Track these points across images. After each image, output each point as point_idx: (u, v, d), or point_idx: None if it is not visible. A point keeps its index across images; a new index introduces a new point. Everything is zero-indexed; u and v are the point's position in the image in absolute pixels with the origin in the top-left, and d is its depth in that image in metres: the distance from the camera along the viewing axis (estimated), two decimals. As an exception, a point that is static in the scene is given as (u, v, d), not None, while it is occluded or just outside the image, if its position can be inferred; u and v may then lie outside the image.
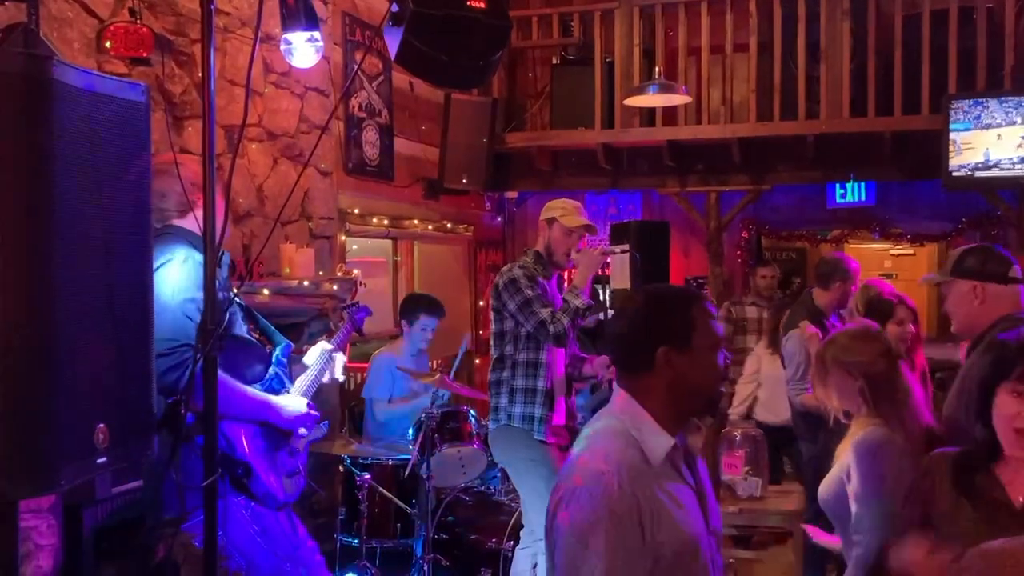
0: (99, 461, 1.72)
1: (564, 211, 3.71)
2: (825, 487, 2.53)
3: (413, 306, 4.90)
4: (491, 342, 3.77)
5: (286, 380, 2.71)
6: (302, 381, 2.82)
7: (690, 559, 1.63)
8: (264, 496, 2.50)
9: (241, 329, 2.61)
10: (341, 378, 3.03)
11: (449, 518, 4.33)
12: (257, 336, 2.73)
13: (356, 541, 3.99)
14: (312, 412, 2.70)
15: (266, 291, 3.90)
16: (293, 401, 2.65)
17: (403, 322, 4.89)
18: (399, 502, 4.06)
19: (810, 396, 4.16)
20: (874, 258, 9.05)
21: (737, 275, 7.77)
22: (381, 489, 4.03)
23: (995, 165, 5.73)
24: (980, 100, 5.73)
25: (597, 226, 4.07)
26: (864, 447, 2.36)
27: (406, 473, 4.01)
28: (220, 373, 2.09)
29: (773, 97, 6.29)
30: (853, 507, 2.36)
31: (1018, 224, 6.11)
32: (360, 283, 4.53)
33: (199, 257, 2.44)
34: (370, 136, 5.46)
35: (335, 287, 4.44)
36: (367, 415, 4.80)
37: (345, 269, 4.66)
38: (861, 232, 7.43)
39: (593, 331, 5.63)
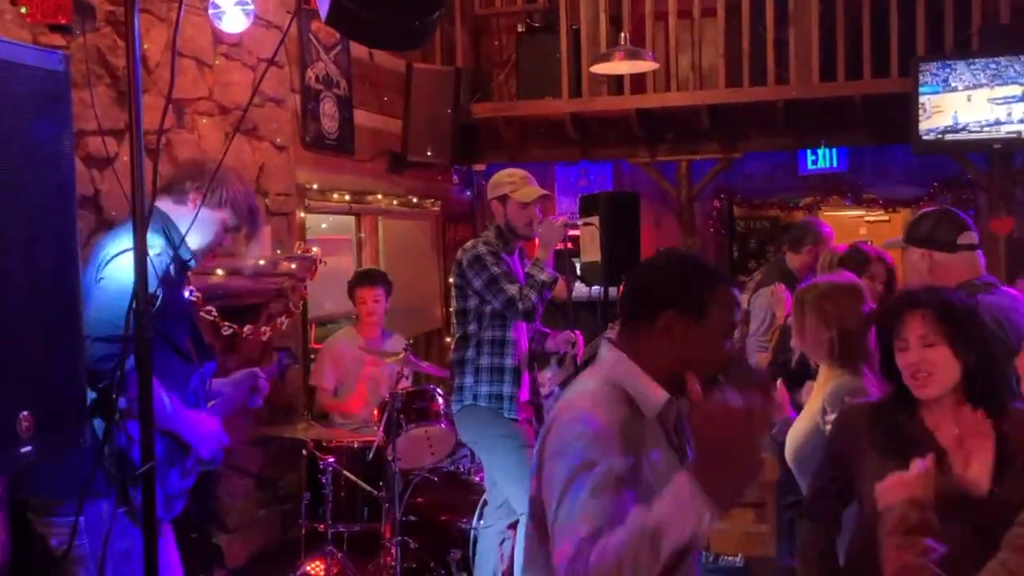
0: (23, 450, 1.65)
1: (514, 185, 3.64)
2: (794, 438, 2.52)
3: (350, 283, 4.80)
4: (453, 320, 3.71)
5: (201, 395, 2.60)
6: (218, 402, 2.71)
7: None
8: (140, 507, 2.37)
9: (182, 342, 2.49)
10: (259, 405, 2.92)
11: (418, 500, 4.28)
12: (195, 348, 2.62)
13: (322, 526, 3.93)
14: (222, 437, 2.57)
15: (220, 271, 3.80)
16: (207, 422, 2.53)
17: (355, 294, 4.78)
18: (365, 485, 4.00)
19: (763, 356, 4.17)
20: (849, 225, 9.07)
21: (710, 245, 7.74)
22: (346, 472, 3.97)
23: (964, 128, 5.73)
24: (948, 63, 5.71)
25: (567, 199, 4.02)
26: (838, 398, 2.37)
27: (371, 455, 3.95)
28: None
29: (742, 63, 6.24)
30: None
31: (988, 187, 6.12)
32: (320, 261, 4.44)
33: (171, 252, 2.40)
34: (328, 108, 5.34)
35: (293, 266, 4.35)
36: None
37: (304, 247, 4.57)
38: (834, 199, 7.43)
39: (563, 305, 5.58)
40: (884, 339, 2.04)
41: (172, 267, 2.41)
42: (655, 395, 1.68)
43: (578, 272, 5.57)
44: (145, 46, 3.85)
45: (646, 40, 6.29)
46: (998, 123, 5.69)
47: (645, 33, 6.34)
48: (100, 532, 2.17)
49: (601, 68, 5.72)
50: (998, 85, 5.68)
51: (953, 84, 5.70)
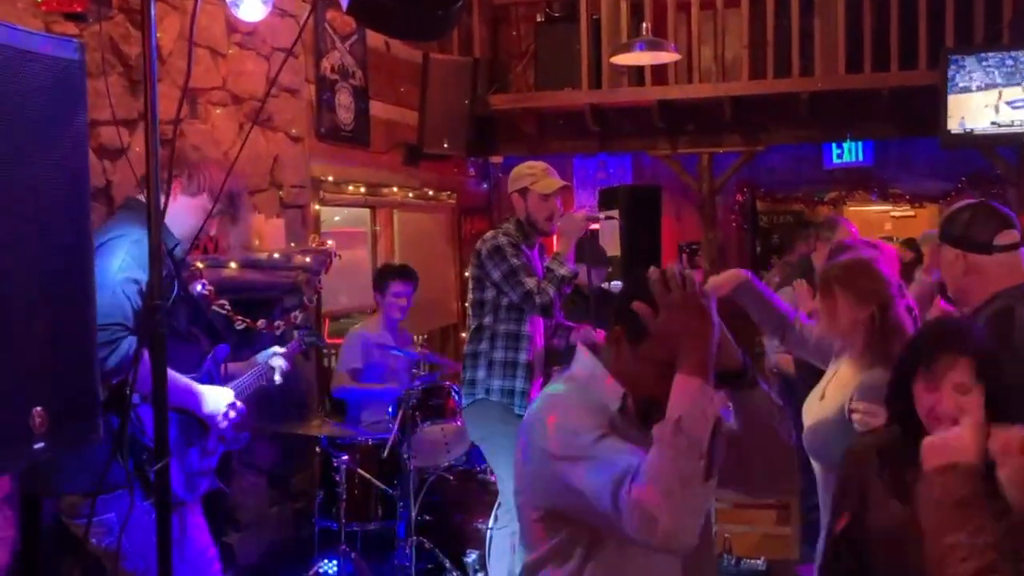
0: (37, 447, 1.64)
1: (534, 177, 3.61)
2: (815, 429, 2.42)
3: (383, 275, 4.85)
4: (469, 312, 3.69)
5: (216, 378, 2.67)
6: (239, 381, 2.78)
7: None
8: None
9: (180, 323, 2.55)
10: (279, 381, 2.96)
11: (433, 498, 4.27)
12: (200, 331, 2.67)
13: (335, 525, 3.92)
14: (237, 407, 2.63)
15: (233, 264, 3.79)
16: (218, 392, 2.60)
17: (376, 295, 4.80)
18: (379, 483, 3.99)
19: (785, 359, 4.09)
20: (875, 221, 8.99)
21: (732, 240, 7.69)
22: (360, 471, 3.95)
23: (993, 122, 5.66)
24: (978, 54, 5.63)
25: (586, 192, 3.99)
26: (873, 392, 2.19)
27: (385, 453, 3.94)
28: (144, 352, 2.02)
29: (766, 54, 6.17)
30: None
31: (1017, 182, 6.03)
32: (335, 254, 4.43)
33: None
34: (344, 99, 5.32)
35: (308, 259, 4.33)
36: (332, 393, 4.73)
37: (319, 240, 4.55)
38: (859, 193, 7.36)
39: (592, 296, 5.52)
40: (906, 364, 1.85)
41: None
42: (611, 390, 1.71)
43: (607, 262, 5.49)
44: (159, 35, 3.84)
45: (668, 31, 6.23)
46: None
47: (667, 23, 6.28)
48: (132, 526, 2.21)
49: (622, 59, 5.68)
50: (1020, 80, 5.60)
51: (978, 79, 5.62)
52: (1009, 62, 5.61)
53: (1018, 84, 5.64)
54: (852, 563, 1.87)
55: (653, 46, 5.40)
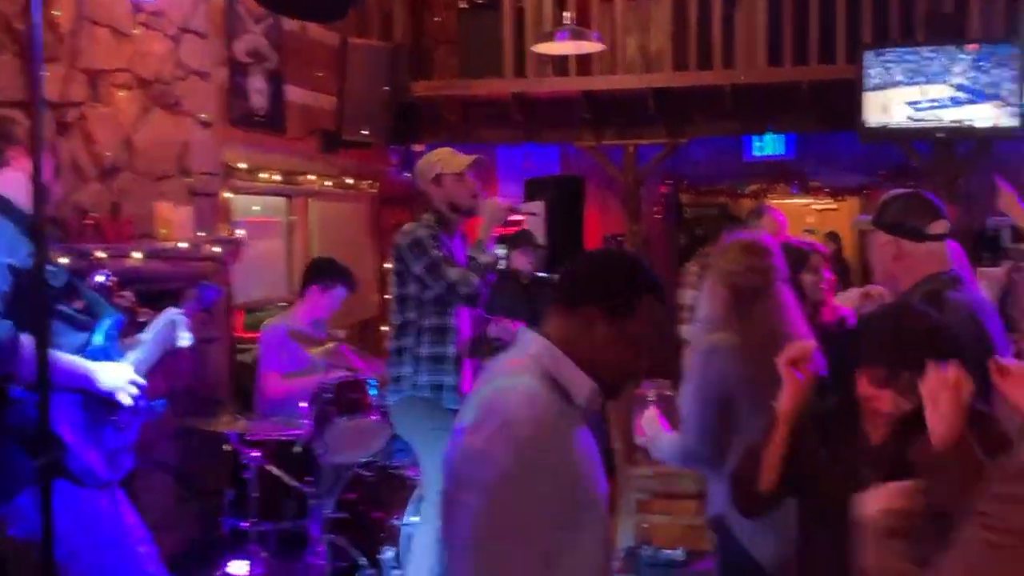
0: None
1: (443, 161, 3.61)
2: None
3: (334, 274, 4.73)
4: (391, 307, 3.66)
5: (114, 353, 2.60)
6: (138, 351, 2.70)
7: (592, 512, 1.67)
8: (82, 473, 2.40)
9: (64, 305, 2.49)
10: (186, 344, 2.88)
11: (349, 496, 4.23)
12: (81, 310, 2.59)
13: (246, 524, 3.85)
14: (135, 381, 2.57)
15: (137, 254, 3.70)
16: (112, 368, 2.54)
17: (314, 287, 4.72)
18: (292, 480, 3.94)
19: None
20: (797, 213, 9.23)
21: (656, 232, 7.81)
22: (271, 467, 3.89)
23: (906, 117, 5.87)
24: (893, 50, 5.83)
25: (511, 182, 4.00)
26: (701, 352, 2.45)
27: (297, 449, 3.88)
28: (23, 336, 1.96)
29: (689, 46, 6.28)
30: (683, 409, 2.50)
31: (932, 176, 6.27)
32: (245, 244, 4.35)
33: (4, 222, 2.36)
34: (257, 83, 5.22)
35: (217, 249, 4.25)
36: (258, 391, 4.63)
37: (229, 230, 4.47)
38: (780, 186, 7.55)
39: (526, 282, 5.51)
40: (851, 359, 2.00)
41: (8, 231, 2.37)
42: (582, 384, 1.70)
43: (542, 244, 5.46)
44: (55, 12, 3.71)
45: (591, 20, 6.29)
46: (937, 107, 5.83)
47: (591, 14, 6.34)
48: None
49: (545, 48, 5.71)
50: (936, 77, 5.82)
51: (894, 74, 5.82)
52: (924, 58, 5.82)
53: (931, 80, 5.86)
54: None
55: (576, 36, 5.45)
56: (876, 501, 1.83)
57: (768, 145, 7.20)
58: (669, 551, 4.56)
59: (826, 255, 3.65)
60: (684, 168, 7.62)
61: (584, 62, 6.43)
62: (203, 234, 4.40)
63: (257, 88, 5.22)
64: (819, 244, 3.65)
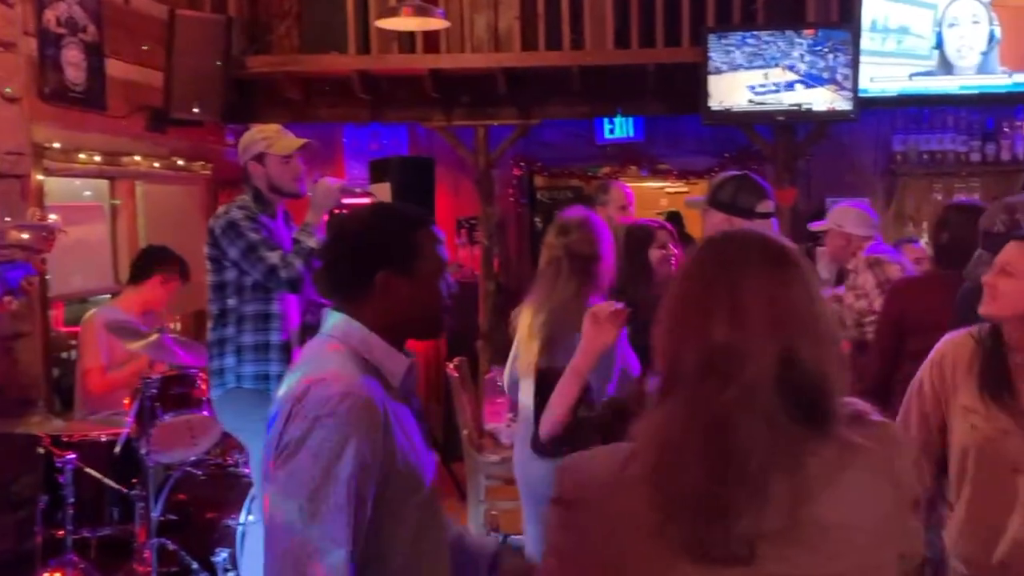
0: None
1: (269, 140, 3.51)
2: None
3: (175, 265, 4.59)
4: (209, 296, 3.53)
5: None
6: None
7: (415, 490, 1.68)
8: None
9: None
10: None
11: (179, 496, 4.08)
12: None
13: (61, 532, 3.66)
14: None
15: (-74, 242, 3.42)
16: None
17: (156, 276, 4.54)
18: (112, 483, 3.77)
19: None
20: (651, 196, 9.48)
21: (510, 215, 7.85)
22: (89, 470, 3.71)
23: (749, 100, 6.12)
24: (735, 34, 6.06)
25: (358, 163, 3.94)
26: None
27: (118, 449, 3.72)
28: None
29: (537, 26, 6.33)
30: None
31: (773, 159, 6.57)
32: (59, 230, 4.09)
33: None
34: (73, 56, 4.91)
35: (25, 236, 3.97)
36: (78, 388, 4.41)
37: (40, 215, 4.20)
38: (631, 169, 7.72)
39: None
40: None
41: None
42: (397, 360, 1.72)
43: None
44: None
45: (439, -3, 6.24)
46: (777, 91, 6.11)
47: (438, -10, 6.28)
48: None
49: (388, 23, 5.63)
50: (775, 61, 6.09)
51: (736, 58, 6.06)
52: (764, 42, 6.07)
53: (771, 64, 6.12)
54: None
55: (421, 12, 5.40)
56: None
57: (618, 128, 7.35)
58: (517, 537, 4.62)
59: (672, 232, 3.80)
60: (537, 150, 7.69)
61: (431, 40, 6.38)
62: (9, 219, 4.11)
63: (73, 61, 4.91)
64: (666, 222, 3.81)
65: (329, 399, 1.57)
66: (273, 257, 3.35)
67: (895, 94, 6.29)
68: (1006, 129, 6.92)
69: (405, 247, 1.70)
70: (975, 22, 6.16)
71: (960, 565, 2.19)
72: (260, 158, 3.50)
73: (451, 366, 5.12)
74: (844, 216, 4.54)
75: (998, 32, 6.11)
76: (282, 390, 1.69)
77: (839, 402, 1.17)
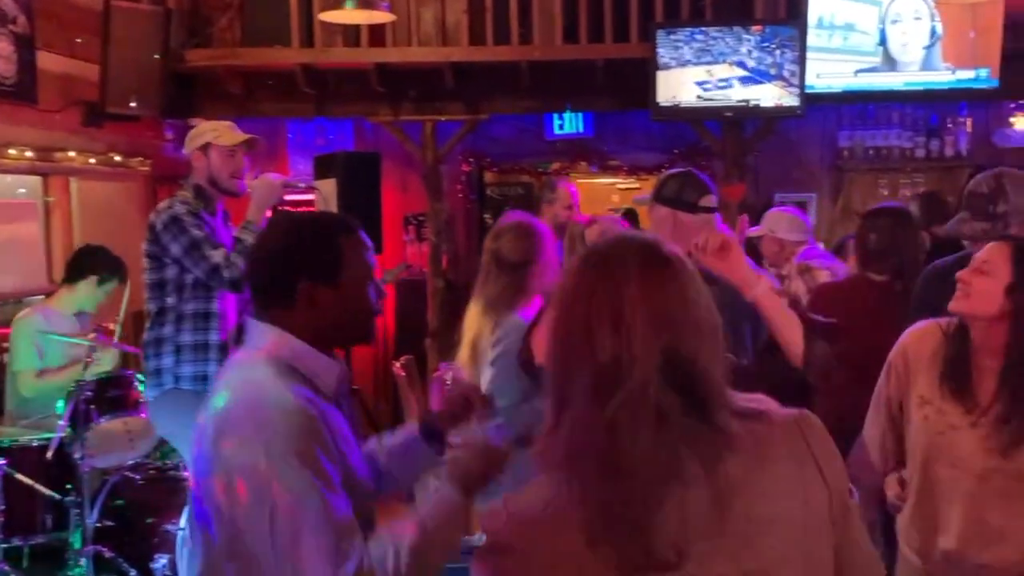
0: None
1: (217, 132, 3.49)
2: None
3: (114, 267, 4.51)
4: (147, 294, 3.47)
5: None
6: None
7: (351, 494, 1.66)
8: None
9: None
10: None
11: (117, 502, 4.00)
12: None
13: (-8, 541, 3.57)
14: None
15: None
16: None
17: (92, 277, 4.45)
18: (44, 489, 3.68)
19: None
20: (602, 192, 9.53)
21: (459, 211, 7.83)
22: (20, 476, 3.61)
23: (697, 96, 6.17)
24: (683, 30, 6.11)
25: (303, 159, 3.91)
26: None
27: (50, 454, 3.63)
28: None
29: (485, 19, 6.31)
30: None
31: (722, 154, 6.63)
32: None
33: None
34: (2, 48, 4.79)
35: (-50, 234, 3.87)
36: (9, 391, 4.29)
37: (-34, 212, 4.08)
38: (581, 165, 7.74)
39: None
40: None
41: None
42: (329, 368, 1.72)
43: None
44: None
45: (385, -11, 6.18)
46: (725, 87, 6.17)
47: (383, -19, 6.23)
48: None
49: (332, 16, 5.56)
50: (723, 57, 6.16)
51: (684, 54, 6.11)
52: (712, 38, 6.12)
53: (719, 60, 6.17)
54: None
55: (366, 4, 5.35)
56: None
57: (568, 123, 7.36)
58: (468, 537, 4.60)
59: (627, 229, 3.88)
60: (486, 146, 7.67)
61: (377, 33, 6.33)
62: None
63: (3, 54, 4.79)
64: (621, 219, 3.88)
65: (269, 421, 1.57)
66: (216, 256, 3.30)
67: (841, 90, 6.39)
68: (949, 125, 7.09)
69: (327, 256, 1.68)
70: (917, 18, 6.28)
71: (911, 554, 2.23)
72: (205, 149, 3.46)
73: (398, 365, 5.09)
74: (777, 222, 4.75)
75: (939, 28, 6.24)
76: (212, 408, 1.67)
77: (725, 392, 1.19)
